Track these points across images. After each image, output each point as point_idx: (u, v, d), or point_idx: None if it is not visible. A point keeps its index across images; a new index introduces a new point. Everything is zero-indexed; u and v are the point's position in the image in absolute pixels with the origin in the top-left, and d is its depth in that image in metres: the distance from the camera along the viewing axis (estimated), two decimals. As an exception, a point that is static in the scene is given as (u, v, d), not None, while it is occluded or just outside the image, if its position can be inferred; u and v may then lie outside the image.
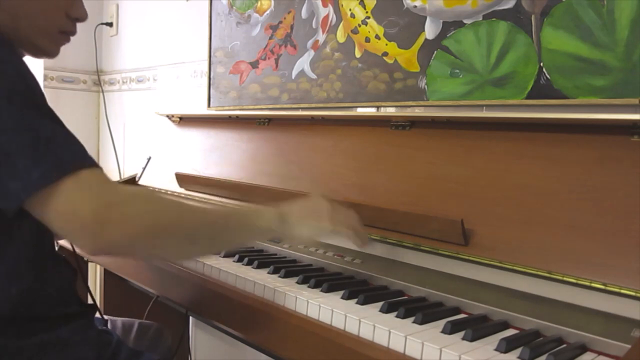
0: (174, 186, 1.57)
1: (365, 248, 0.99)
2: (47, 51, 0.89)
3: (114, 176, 2.46)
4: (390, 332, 0.72)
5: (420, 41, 1.35)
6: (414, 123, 1.14)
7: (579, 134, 0.89)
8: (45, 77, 2.65)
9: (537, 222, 0.85)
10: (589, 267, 0.76)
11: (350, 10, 1.52)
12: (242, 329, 0.93)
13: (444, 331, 0.73)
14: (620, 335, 0.68)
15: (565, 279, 0.77)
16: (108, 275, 1.69)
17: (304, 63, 1.67)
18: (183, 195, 1.55)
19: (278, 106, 1.76)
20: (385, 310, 0.81)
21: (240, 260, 1.07)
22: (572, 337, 0.72)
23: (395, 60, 1.41)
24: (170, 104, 2.34)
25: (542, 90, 1.13)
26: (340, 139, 1.27)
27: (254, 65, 1.86)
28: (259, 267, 1.03)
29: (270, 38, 1.80)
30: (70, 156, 0.70)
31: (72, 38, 0.92)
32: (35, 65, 2.37)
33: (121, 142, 2.65)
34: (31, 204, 0.68)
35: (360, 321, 0.75)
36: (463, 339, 0.71)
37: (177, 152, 1.73)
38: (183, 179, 1.53)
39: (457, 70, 1.27)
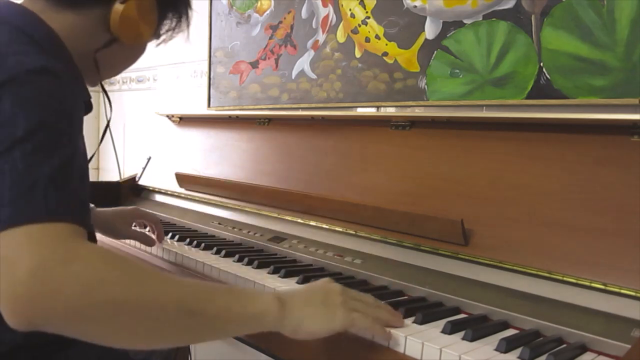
0: (174, 186, 1.57)
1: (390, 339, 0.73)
2: (91, 83, 0.93)
3: (114, 176, 2.46)
4: (389, 332, 0.72)
5: (420, 41, 1.35)
6: (414, 123, 1.14)
7: (579, 134, 0.89)
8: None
9: (537, 222, 0.85)
10: (589, 267, 0.76)
11: (350, 10, 1.52)
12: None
13: (444, 331, 0.73)
14: (620, 335, 0.68)
15: (565, 279, 0.77)
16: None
17: (304, 63, 1.67)
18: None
19: (278, 106, 1.76)
20: (385, 310, 0.80)
21: (240, 260, 1.07)
22: (572, 337, 0.72)
23: (395, 60, 1.41)
24: (170, 104, 2.34)
25: (542, 90, 1.13)
26: (340, 139, 1.27)
27: (254, 65, 1.86)
28: (259, 267, 1.03)
29: (270, 38, 1.80)
30: (41, 205, 0.58)
31: None
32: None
33: (121, 142, 2.65)
34: None
35: (360, 321, 0.75)
36: (463, 339, 0.71)
37: (177, 152, 1.73)
38: (183, 179, 1.53)
39: (457, 70, 1.27)
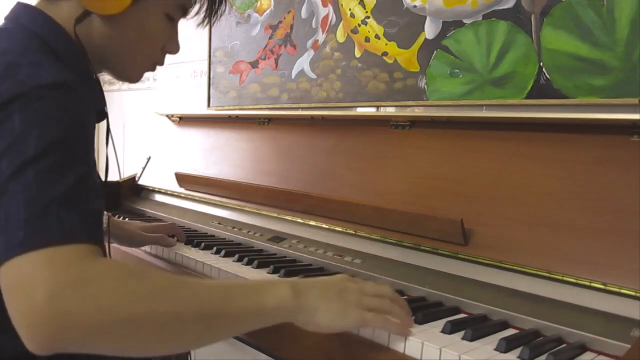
0: (174, 186, 1.57)
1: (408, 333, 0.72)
2: (132, 77, 0.90)
3: (114, 176, 2.46)
4: (390, 332, 0.72)
5: (420, 41, 1.35)
6: (414, 123, 1.14)
7: (578, 134, 0.89)
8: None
9: (537, 222, 0.85)
10: (589, 267, 0.76)
11: (350, 10, 1.52)
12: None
13: (444, 331, 0.73)
14: (620, 335, 0.68)
15: (565, 279, 0.77)
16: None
17: (304, 63, 1.67)
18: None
19: (278, 106, 1.76)
20: (385, 310, 0.80)
21: (240, 260, 1.07)
22: (572, 337, 0.72)
23: (395, 60, 1.41)
24: (170, 104, 2.34)
25: (542, 90, 1.13)
26: (340, 139, 1.27)
27: (254, 65, 1.86)
28: (259, 267, 1.02)
29: (270, 38, 1.80)
30: (57, 228, 0.58)
31: None
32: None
33: (121, 142, 2.65)
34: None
35: (360, 321, 0.75)
36: (463, 339, 0.71)
37: (177, 152, 1.73)
38: (183, 179, 1.53)
39: (457, 70, 1.27)
